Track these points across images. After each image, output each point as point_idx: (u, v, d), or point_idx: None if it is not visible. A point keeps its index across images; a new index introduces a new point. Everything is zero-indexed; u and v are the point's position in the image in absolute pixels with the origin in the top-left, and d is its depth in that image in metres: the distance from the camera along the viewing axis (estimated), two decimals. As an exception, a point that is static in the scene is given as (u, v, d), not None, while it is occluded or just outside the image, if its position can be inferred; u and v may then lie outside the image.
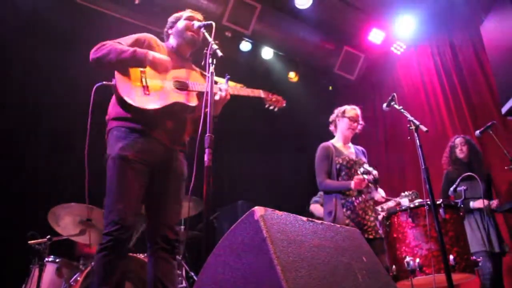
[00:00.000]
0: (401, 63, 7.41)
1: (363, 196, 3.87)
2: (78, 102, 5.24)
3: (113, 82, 2.67)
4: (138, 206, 2.65)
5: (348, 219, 3.77)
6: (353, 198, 3.84)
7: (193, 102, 2.78)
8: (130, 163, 2.59)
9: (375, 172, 3.75)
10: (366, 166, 3.81)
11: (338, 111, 4.27)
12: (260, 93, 3.05)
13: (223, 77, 2.85)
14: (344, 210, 3.82)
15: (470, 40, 6.22)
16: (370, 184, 3.70)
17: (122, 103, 2.65)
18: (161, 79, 2.75)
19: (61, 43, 5.55)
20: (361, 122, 4.20)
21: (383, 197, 3.89)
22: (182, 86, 2.80)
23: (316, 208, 5.31)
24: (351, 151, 4.15)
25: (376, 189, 3.77)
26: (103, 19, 6.04)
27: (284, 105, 3.14)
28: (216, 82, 2.81)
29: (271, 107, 3.11)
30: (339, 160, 3.98)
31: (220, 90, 2.76)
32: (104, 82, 2.72)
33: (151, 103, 2.64)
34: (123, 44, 2.77)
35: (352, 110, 4.21)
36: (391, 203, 4.38)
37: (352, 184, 3.74)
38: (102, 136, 2.80)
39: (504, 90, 4.95)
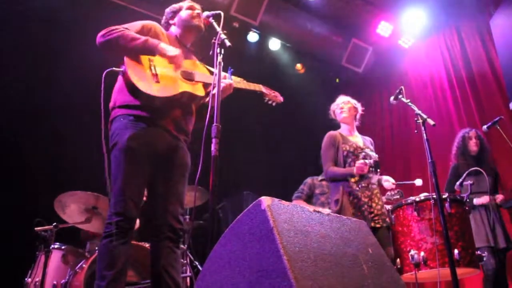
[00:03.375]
0: (409, 56, 7.36)
1: (367, 179, 3.84)
2: (85, 92, 5.31)
3: (122, 68, 2.67)
4: (142, 196, 2.69)
5: (354, 208, 3.76)
6: (356, 184, 3.83)
7: (201, 92, 2.81)
8: (138, 154, 2.60)
9: (375, 155, 3.77)
10: (367, 150, 3.85)
11: (332, 105, 4.37)
12: (261, 88, 3.10)
13: (226, 70, 2.86)
14: (351, 198, 3.80)
15: (479, 34, 6.18)
16: (370, 168, 3.69)
17: (132, 90, 2.64)
18: (168, 68, 2.75)
19: (60, 29, 5.51)
20: (344, 106, 4.23)
21: (393, 183, 3.92)
22: (189, 77, 2.81)
23: (299, 203, 5.24)
24: (358, 139, 4.15)
25: (377, 173, 3.76)
26: (106, 6, 6.01)
27: (282, 100, 3.21)
28: None
29: (269, 102, 3.18)
30: (346, 147, 3.98)
31: (223, 82, 2.75)
32: (113, 68, 2.71)
33: (162, 91, 2.64)
34: (131, 30, 2.75)
35: (339, 99, 4.32)
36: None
37: (354, 169, 3.74)
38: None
39: (513, 85, 4.93)
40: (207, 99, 2.85)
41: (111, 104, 2.78)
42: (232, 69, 2.86)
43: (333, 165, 3.95)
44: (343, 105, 4.22)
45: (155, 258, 2.67)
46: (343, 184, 3.87)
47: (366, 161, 3.68)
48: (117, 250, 2.46)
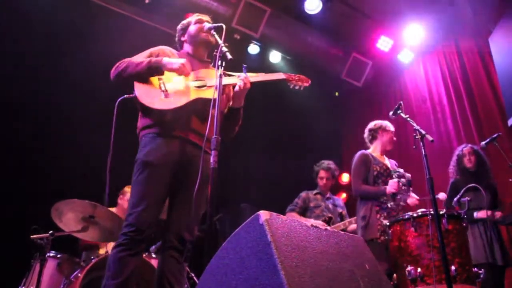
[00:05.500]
0: (408, 71, 7.40)
1: (398, 198, 3.97)
2: (87, 102, 5.33)
3: (133, 94, 2.75)
4: (158, 209, 2.70)
5: (380, 225, 3.87)
6: (387, 203, 3.99)
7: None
8: (154, 167, 2.67)
9: (408, 175, 3.94)
10: (400, 170, 4.00)
11: (379, 125, 4.49)
12: (281, 75, 3.05)
13: (241, 71, 2.87)
14: (378, 216, 3.94)
15: (478, 50, 6.22)
16: (403, 187, 3.85)
17: (146, 110, 2.76)
18: (179, 82, 2.80)
19: (69, 39, 5.57)
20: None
21: (417, 199, 4.04)
22: (202, 84, 2.84)
23: (292, 216, 5.28)
24: (386, 162, 4.34)
25: (409, 191, 3.90)
26: (112, 17, 6.06)
27: (309, 83, 3.11)
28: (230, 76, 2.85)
29: (296, 87, 3.09)
30: (377, 167, 4.15)
31: (239, 78, 2.79)
32: (125, 96, 2.83)
33: (171, 104, 2.70)
34: (138, 58, 2.86)
35: (392, 126, 4.49)
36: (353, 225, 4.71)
37: (387, 188, 3.90)
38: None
39: (511, 102, 4.95)
40: (230, 102, 2.95)
41: (137, 131, 2.90)
42: (246, 66, 2.86)
43: (363, 184, 4.10)
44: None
45: (160, 267, 2.69)
46: (372, 202, 4.02)
47: (401, 180, 3.83)
48: (124, 261, 2.50)
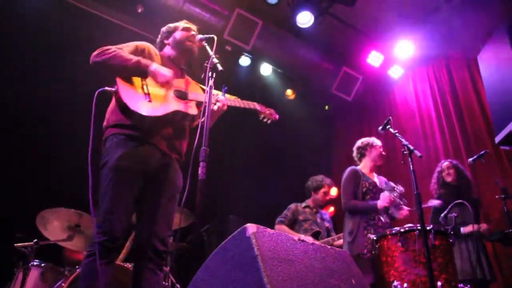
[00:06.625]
0: (398, 86, 7.46)
1: (391, 212, 4.04)
2: (73, 108, 5.29)
3: (114, 88, 2.67)
4: (130, 216, 2.64)
5: (366, 241, 3.89)
6: (380, 218, 4.03)
7: (193, 111, 2.81)
8: (127, 173, 2.58)
9: (400, 188, 4.00)
10: (391, 183, 4.07)
11: (366, 142, 4.54)
12: (256, 106, 3.12)
13: (220, 88, 2.87)
14: (365, 232, 3.97)
15: (467, 67, 6.29)
16: (397, 200, 3.92)
17: (124, 109, 2.65)
18: (161, 88, 2.77)
19: (62, 47, 5.56)
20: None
21: (408, 210, 4.11)
22: (182, 96, 2.82)
23: (281, 228, 5.28)
24: (375, 179, 4.39)
25: (402, 203, 3.97)
26: (105, 25, 6.06)
27: (277, 118, 3.22)
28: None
29: (265, 119, 3.19)
30: (366, 183, 4.21)
31: (218, 101, 2.78)
32: (106, 88, 2.70)
33: (153, 111, 2.64)
34: (125, 50, 2.77)
35: (379, 141, 4.55)
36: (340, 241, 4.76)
37: (379, 203, 3.95)
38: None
39: (499, 119, 4.99)
40: (202, 119, 2.87)
41: (104, 124, 2.78)
42: (226, 87, 2.87)
43: (353, 199, 4.15)
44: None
45: (136, 279, 2.61)
46: (360, 218, 4.05)
47: (393, 193, 3.88)
48: (99, 271, 2.39)
